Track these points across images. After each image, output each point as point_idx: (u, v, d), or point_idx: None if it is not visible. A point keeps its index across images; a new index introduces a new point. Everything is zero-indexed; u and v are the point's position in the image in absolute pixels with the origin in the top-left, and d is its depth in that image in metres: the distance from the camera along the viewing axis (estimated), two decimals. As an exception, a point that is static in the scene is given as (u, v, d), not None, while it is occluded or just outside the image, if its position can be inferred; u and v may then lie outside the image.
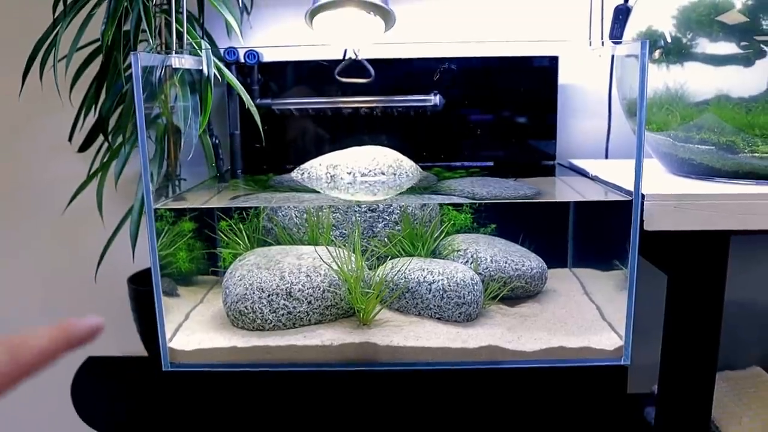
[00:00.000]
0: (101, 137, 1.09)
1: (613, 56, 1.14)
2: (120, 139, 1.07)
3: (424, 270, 0.96)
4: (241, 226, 1.06)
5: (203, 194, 1.09)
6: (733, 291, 0.95)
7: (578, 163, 1.17)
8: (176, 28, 1.02)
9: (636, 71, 1.05)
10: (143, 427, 1.05)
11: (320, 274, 0.93)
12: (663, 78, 1.01)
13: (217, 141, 1.17)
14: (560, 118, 1.22)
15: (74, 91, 1.12)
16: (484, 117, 1.23)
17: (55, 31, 1.02)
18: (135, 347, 1.17)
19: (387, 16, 1.09)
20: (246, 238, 1.05)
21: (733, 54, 0.95)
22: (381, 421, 0.91)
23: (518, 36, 1.22)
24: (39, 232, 1.38)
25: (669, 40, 1.00)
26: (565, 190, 1.11)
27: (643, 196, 0.88)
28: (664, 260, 0.94)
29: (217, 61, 1.05)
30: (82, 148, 1.13)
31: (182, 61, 1.00)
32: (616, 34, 1.13)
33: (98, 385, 1.20)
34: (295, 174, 1.11)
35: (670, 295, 0.92)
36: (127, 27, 1.04)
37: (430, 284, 0.95)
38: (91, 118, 1.10)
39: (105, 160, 1.11)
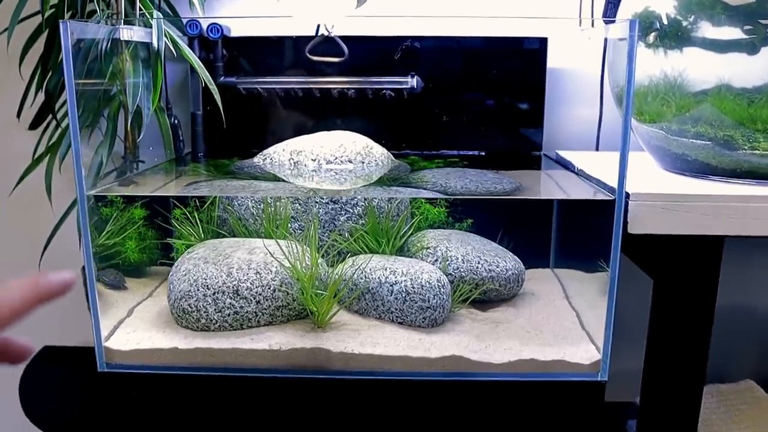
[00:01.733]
0: (53, 114, 1.01)
1: (606, 39, 1.05)
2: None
3: (386, 269, 0.88)
4: (196, 214, 0.99)
5: (157, 179, 1.01)
6: (726, 296, 0.87)
7: (565, 154, 1.08)
8: (126, -2, 0.93)
9: (623, 55, 0.96)
10: (86, 427, 0.99)
11: (271, 271, 0.85)
12: (659, 64, 0.92)
13: (176, 121, 1.09)
14: (548, 105, 1.12)
15: (26, 65, 1.04)
16: (465, 102, 1.14)
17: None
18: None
19: (360, -10, 1.00)
20: (200, 228, 0.97)
21: (736, 39, 0.86)
22: (334, 432, 0.84)
23: (505, 15, 1.12)
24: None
25: (667, 22, 0.91)
26: (548, 185, 1.02)
27: (627, 195, 0.79)
28: (650, 263, 0.86)
29: (172, 33, 0.96)
30: (33, 125, 1.05)
31: (131, 33, 0.91)
32: (610, 15, 1.04)
33: (49, 378, 1.14)
34: (258, 159, 1.03)
35: (655, 301, 0.84)
36: (75, -5, 0.95)
37: (392, 285, 0.87)
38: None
39: (53, 140, 1.03)
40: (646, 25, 0.93)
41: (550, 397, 0.82)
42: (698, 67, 0.89)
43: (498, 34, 1.11)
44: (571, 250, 1.04)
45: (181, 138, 1.10)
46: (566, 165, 1.03)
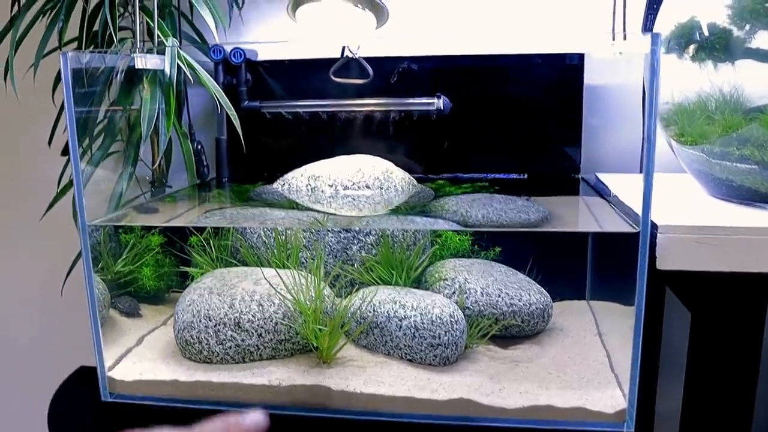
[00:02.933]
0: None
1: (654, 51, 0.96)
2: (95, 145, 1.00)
3: (395, 303, 0.83)
4: (211, 242, 0.97)
5: (176, 206, 1.01)
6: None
7: (605, 177, 1.00)
8: (141, 26, 0.93)
9: (669, 71, 0.88)
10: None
11: (274, 303, 0.82)
12: (709, 79, 0.83)
13: (199, 147, 1.08)
14: (587, 124, 1.05)
15: (59, 93, 1.07)
16: (498, 123, 1.08)
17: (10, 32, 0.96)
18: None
19: (379, 11, 0.96)
20: (212, 256, 0.96)
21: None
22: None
23: (540, 31, 1.05)
24: (34, 232, 1.34)
25: (714, 33, 0.83)
26: (579, 215, 0.95)
27: (655, 226, 0.71)
28: (687, 296, 0.77)
29: (190, 59, 0.96)
30: (64, 152, 1.07)
31: (144, 61, 0.91)
32: (650, 27, 0.95)
33: (80, 399, 1.15)
34: (277, 185, 1.00)
35: (693, 339, 0.75)
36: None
37: (400, 320, 0.82)
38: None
39: (82, 168, 1.04)
40: (689, 37, 0.86)
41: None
42: (754, 82, 0.81)
43: (532, 51, 1.05)
44: (606, 281, 0.96)
45: (205, 163, 1.09)
46: (602, 190, 0.95)
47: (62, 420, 1.11)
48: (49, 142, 1.06)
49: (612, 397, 0.76)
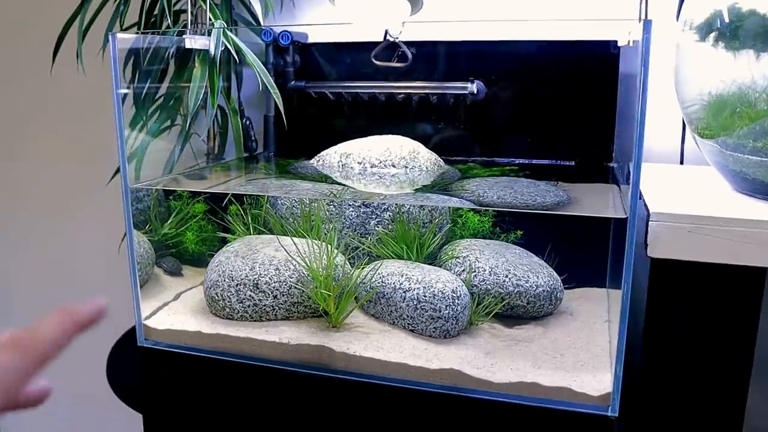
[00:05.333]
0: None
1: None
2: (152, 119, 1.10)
3: (402, 275, 0.87)
4: (248, 211, 1.05)
5: (221, 175, 1.09)
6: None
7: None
8: (197, 10, 1.02)
9: (697, 60, 0.87)
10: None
11: (290, 268, 0.89)
12: (749, 69, 0.82)
13: (248, 122, 1.16)
14: (622, 113, 1.04)
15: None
16: (531, 108, 1.09)
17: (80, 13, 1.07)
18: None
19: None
20: (249, 224, 1.03)
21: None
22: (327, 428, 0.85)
23: (576, 17, 1.05)
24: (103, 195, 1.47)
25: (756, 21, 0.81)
26: (595, 201, 0.95)
27: (648, 213, 0.72)
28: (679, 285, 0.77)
29: (236, 40, 1.03)
30: (129, 124, 1.18)
31: (192, 42, 1.00)
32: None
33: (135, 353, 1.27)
34: (314, 161, 1.07)
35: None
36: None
37: (404, 292, 0.86)
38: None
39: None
40: (706, 25, 0.84)
41: (555, 425, 0.77)
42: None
43: (566, 37, 1.05)
44: (618, 268, 0.96)
45: (253, 138, 1.17)
46: (626, 179, 0.95)
47: (119, 370, 1.23)
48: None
49: (602, 381, 0.77)
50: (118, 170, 1.19)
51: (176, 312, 0.95)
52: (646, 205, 0.75)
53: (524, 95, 1.09)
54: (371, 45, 1.12)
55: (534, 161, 1.10)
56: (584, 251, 0.99)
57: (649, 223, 0.71)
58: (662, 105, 1.05)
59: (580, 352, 0.84)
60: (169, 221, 1.04)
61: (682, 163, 1.05)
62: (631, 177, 0.70)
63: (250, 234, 1.02)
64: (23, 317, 1.72)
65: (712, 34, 0.85)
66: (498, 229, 1.00)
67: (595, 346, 0.85)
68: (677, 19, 0.93)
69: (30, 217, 1.68)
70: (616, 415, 0.75)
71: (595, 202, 0.95)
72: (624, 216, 0.71)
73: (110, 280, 1.59)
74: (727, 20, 0.84)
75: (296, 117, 1.14)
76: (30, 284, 1.72)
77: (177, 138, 1.11)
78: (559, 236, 0.97)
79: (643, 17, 0.94)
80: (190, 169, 1.09)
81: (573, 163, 1.08)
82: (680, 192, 0.86)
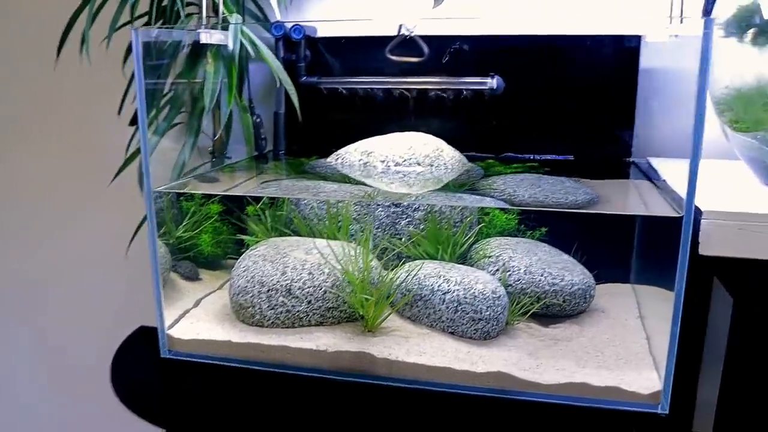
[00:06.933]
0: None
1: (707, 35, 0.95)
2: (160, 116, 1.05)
3: (440, 277, 0.86)
4: (267, 212, 1.02)
5: (235, 176, 1.06)
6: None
7: (657, 162, 1.00)
8: (208, 2, 0.98)
9: (728, 55, 0.87)
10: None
11: (324, 272, 0.86)
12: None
13: (258, 120, 1.12)
14: (642, 108, 1.04)
15: (129, 65, 1.13)
16: (551, 104, 1.08)
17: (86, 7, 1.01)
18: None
19: (435, -11, 0.98)
20: (268, 225, 1.00)
21: None
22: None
23: (596, 11, 1.05)
24: (105, 196, 1.41)
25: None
26: (628, 198, 0.95)
27: (700, 212, 0.72)
28: (730, 282, 0.77)
29: (251, 35, 1.00)
30: (132, 122, 1.13)
31: (208, 36, 0.95)
32: (710, 9, 0.94)
33: (141, 359, 1.22)
34: (331, 159, 1.04)
35: (734, 324, 0.76)
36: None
37: (444, 294, 0.85)
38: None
39: (147, 136, 1.10)
40: (749, 20, 0.84)
41: (605, 424, 0.77)
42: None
43: (586, 32, 1.04)
44: (651, 264, 0.96)
45: (263, 136, 1.13)
46: (652, 175, 0.95)
47: (125, 377, 1.18)
48: (119, 112, 1.12)
49: (648, 378, 0.77)
50: (120, 170, 1.14)
51: (199, 320, 0.91)
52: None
53: (541, 91, 1.08)
54: (384, 39, 1.09)
55: (550, 157, 1.10)
56: (606, 247, 0.99)
57: (702, 221, 0.71)
58: (675, 101, 1.06)
59: (619, 349, 0.84)
60: (183, 223, 1.00)
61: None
62: (688, 175, 0.69)
63: (270, 236, 0.99)
64: (20, 324, 1.64)
65: (737, 30, 0.86)
66: (523, 226, 0.99)
67: (632, 343, 0.85)
68: (703, 15, 0.93)
69: (24, 218, 1.59)
70: (667, 412, 0.75)
71: (622, 198, 0.95)
72: (679, 215, 0.71)
73: (111, 284, 1.53)
74: (751, 17, 0.84)
75: (307, 114, 1.11)
76: (24, 289, 1.63)
77: (182, 136, 1.07)
78: (581, 233, 0.97)
79: (679, 14, 0.95)
80: (207, 169, 1.05)
81: (591, 157, 1.08)
82: (715, 187, 0.87)
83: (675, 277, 0.73)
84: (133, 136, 1.11)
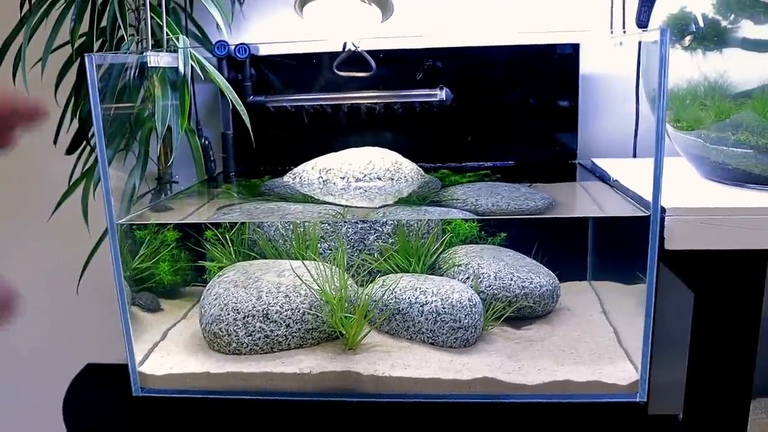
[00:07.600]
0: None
1: (640, 43, 1.01)
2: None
3: (416, 290, 0.87)
4: (227, 236, 0.99)
5: (189, 203, 1.02)
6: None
7: (602, 162, 1.05)
8: (152, 25, 0.94)
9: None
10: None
11: (300, 294, 0.85)
12: (698, 67, 0.88)
13: (207, 142, 1.09)
14: (582, 112, 1.09)
15: (61, 92, 1.07)
16: (498, 112, 1.12)
17: (22, 30, 0.95)
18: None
19: (384, 5, 0.99)
20: (231, 249, 0.98)
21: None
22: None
23: (535, 23, 1.09)
24: (40, 231, 1.34)
25: (705, 23, 0.88)
26: (582, 200, 0.99)
27: (663, 210, 0.76)
28: (690, 276, 0.83)
29: (199, 57, 0.97)
30: (69, 151, 1.07)
31: (158, 59, 0.92)
32: (644, 17, 1.00)
33: (92, 396, 1.16)
34: (288, 178, 1.03)
35: (697, 315, 0.81)
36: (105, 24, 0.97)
37: (422, 306, 0.86)
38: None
39: (88, 166, 1.05)
40: (681, 27, 0.90)
41: (588, 415, 0.80)
42: (739, 69, 0.86)
43: (528, 42, 1.09)
44: (608, 262, 1.01)
45: (212, 158, 1.11)
46: (601, 175, 1.00)
47: (77, 416, 1.12)
48: (55, 141, 1.06)
49: (624, 370, 0.81)
50: (60, 202, 1.08)
51: (170, 353, 0.88)
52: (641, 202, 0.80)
53: (489, 100, 1.11)
54: (330, 55, 1.10)
55: (500, 164, 1.13)
56: (562, 248, 1.04)
57: (666, 218, 0.76)
58: (613, 104, 1.12)
59: (591, 344, 0.87)
60: (140, 253, 0.96)
61: (635, 156, 1.13)
62: (653, 174, 0.74)
63: (234, 260, 0.96)
64: None
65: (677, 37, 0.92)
66: (484, 233, 1.01)
67: (601, 337, 0.89)
68: (637, 24, 0.99)
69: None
70: (645, 400, 0.79)
71: (580, 201, 1.00)
72: (646, 214, 0.75)
73: (52, 324, 1.43)
74: (685, 24, 0.91)
75: (256, 133, 1.09)
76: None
77: (121, 163, 1.03)
78: (538, 236, 1.01)
79: (612, 25, 1.00)
80: (164, 197, 1.01)
81: (542, 161, 1.13)
82: (665, 184, 0.92)
83: (635, 272, 0.78)
84: (75, 165, 1.05)
